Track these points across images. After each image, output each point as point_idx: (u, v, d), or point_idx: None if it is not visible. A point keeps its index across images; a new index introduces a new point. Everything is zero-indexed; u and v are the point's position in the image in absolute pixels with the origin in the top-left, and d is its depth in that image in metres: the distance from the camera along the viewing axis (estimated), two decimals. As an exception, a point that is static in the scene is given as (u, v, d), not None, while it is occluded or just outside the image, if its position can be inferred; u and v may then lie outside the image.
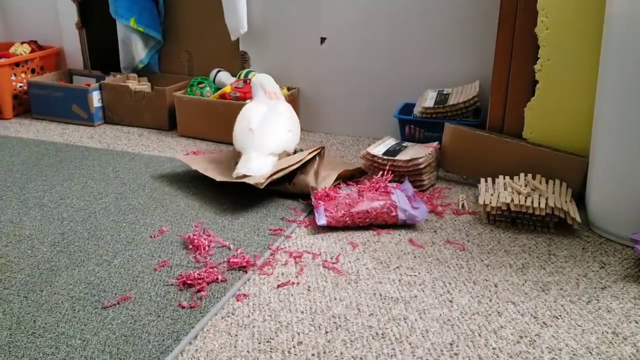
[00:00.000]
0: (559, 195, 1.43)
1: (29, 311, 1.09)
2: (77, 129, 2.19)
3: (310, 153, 1.59)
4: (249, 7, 2.10)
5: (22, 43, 2.41)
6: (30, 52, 2.39)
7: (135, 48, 2.26)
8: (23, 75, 2.33)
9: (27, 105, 2.34)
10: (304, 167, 1.57)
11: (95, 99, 2.20)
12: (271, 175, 1.48)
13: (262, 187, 1.45)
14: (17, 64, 2.30)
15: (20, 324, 1.05)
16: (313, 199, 1.49)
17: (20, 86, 2.32)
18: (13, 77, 2.29)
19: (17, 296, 1.13)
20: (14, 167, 1.79)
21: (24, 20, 2.52)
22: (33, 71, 2.37)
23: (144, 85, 2.24)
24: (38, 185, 1.66)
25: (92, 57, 2.47)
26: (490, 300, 1.14)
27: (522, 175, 1.52)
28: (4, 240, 1.35)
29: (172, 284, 1.17)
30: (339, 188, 1.57)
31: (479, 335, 1.04)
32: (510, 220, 1.44)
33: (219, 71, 2.19)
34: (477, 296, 1.15)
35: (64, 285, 1.17)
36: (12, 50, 2.38)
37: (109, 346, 0.99)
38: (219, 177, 1.56)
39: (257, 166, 1.52)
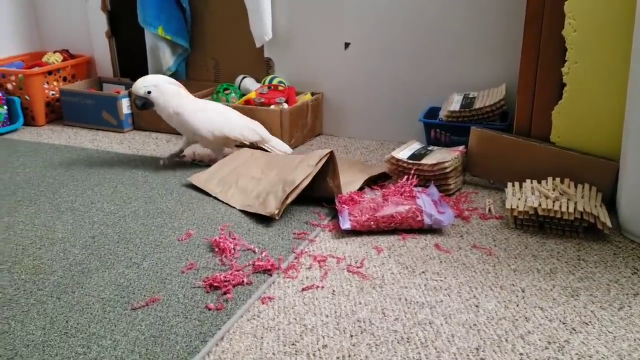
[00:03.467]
0: (588, 200, 1.41)
1: (61, 312, 1.12)
2: (107, 135, 2.24)
3: (317, 164, 1.50)
4: (274, 15, 2.12)
5: (55, 52, 2.48)
6: (62, 60, 2.45)
7: (163, 56, 2.31)
8: (55, 83, 2.39)
9: (59, 112, 2.40)
10: (322, 174, 1.54)
11: (125, 106, 2.25)
12: (284, 201, 1.46)
13: (277, 217, 1.45)
14: (49, 73, 2.36)
15: (53, 324, 1.08)
16: (337, 203, 1.49)
17: (53, 94, 2.39)
18: (46, 85, 2.36)
19: (50, 297, 1.17)
20: (47, 172, 1.84)
21: (56, 30, 2.59)
22: (65, 79, 2.43)
23: (171, 92, 2.27)
24: (70, 190, 1.70)
25: (122, 65, 2.53)
26: (518, 306, 1.12)
27: (549, 179, 1.50)
28: (38, 243, 1.39)
29: (199, 286, 1.19)
30: (364, 192, 1.57)
31: (506, 340, 1.02)
32: (537, 224, 1.42)
33: (244, 77, 2.22)
34: (504, 301, 1.14)
35: (95, 287, 1.20)
36: (44, 59, 2.45)
37: (138, 346, 1.01)
38: (239, 205, 1.55)
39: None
